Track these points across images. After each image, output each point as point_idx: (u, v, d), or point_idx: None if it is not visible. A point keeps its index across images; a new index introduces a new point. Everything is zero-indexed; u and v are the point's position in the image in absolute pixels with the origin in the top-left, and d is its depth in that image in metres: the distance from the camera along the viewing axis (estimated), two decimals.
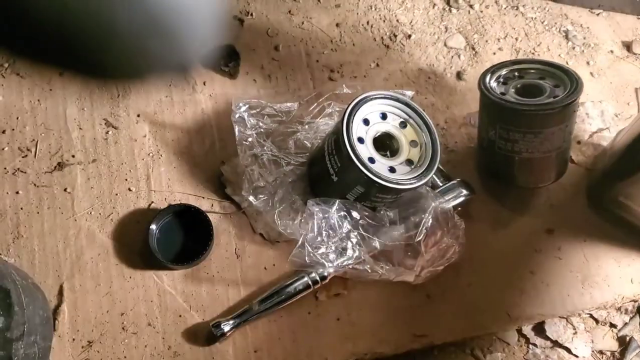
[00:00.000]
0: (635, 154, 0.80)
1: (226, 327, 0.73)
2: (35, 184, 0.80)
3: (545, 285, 0.84)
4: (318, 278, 0.76)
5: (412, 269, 0.76)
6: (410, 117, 0.76)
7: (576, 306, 0.82)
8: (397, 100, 0.76)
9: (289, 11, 0.96)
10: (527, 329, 0.84)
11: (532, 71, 0.82)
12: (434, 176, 0.82)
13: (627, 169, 0.81)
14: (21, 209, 0.78)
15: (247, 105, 0.81)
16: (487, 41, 0.98)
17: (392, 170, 0.73)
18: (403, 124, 0.76)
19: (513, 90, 0.80)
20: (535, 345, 0.84)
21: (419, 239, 0.76)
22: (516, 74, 0.82)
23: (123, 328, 0.74)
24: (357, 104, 0.73)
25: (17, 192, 0.79)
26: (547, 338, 0.84)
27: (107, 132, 0.84)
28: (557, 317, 0.83)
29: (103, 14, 0.29)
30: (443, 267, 0.78)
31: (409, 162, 0.75)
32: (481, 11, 1.00)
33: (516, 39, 0.98)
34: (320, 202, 0.75)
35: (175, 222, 0.78)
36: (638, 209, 0.81)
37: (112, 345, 0.73)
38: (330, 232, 0.74)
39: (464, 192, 0.82)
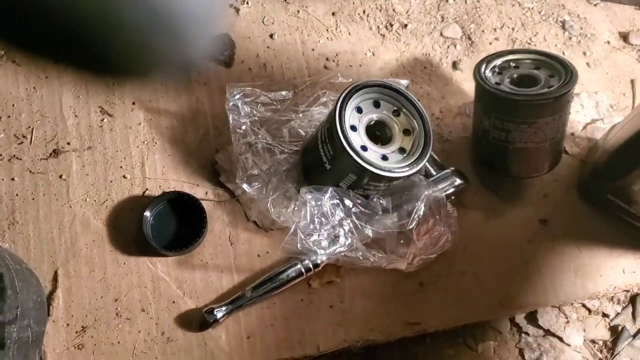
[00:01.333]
0: (626, 156, 0.80)
1: (219, 314, 0.73)
2: (30, 171, 0.80)
3: (538, 274, 0.84)
4: (311, 265, 0.76)
5: (404, 256, 0.77)
6: (403, 105, 0.76)
7: (569, 295, 0.82)
8: (391, 88, 0.76)
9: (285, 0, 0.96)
10: (520, 318, 0.85)
11: (528, 61, 0.82)
12: (427, 165, 0.82)
13: (616, 170, 0.81)
14: (16, 195, 0.79)
15: (241, 93, 0.81)
16: (483, 31, 0.98)
17: (384, 158, 0.73)
18: (396, 113, 0.76)
19: (508, 80, 0.80)
20: (527, 334, 0.84)
21: (412, 227, 0.76)
22: (511, 64, 0.82)
23: (117, 314, 0.75)
24: (350, 91, 0.73)
25: (13, 179, 0.80)
26: (539, 327, 0.84)
27: (102, 120, 0.84)
28: (549, 306, 0.84)
29: (106, 9, 0.29)
30: (435, 255, 0.78)
31: (401, 150, 0.75)
32: (478, 1, 1.00)
33: (513, 29, 0.98)
34: (313, 190, 0.75)
35: (169, 209, 0.78)
36: (626, 206, 0.81)
37: (105, 330, 0.74)
38: (322, 219, 0.75)
39: (458, 181, 0.82)
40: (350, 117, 0.73)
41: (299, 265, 0.76)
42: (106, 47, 0.31)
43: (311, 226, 0.74)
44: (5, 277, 0.60)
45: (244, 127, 0.81)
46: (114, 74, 0.41)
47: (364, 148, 0.72)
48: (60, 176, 0.80)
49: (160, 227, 0.78)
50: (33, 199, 0.79)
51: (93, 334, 0.74)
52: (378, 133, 0.76)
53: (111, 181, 0.81)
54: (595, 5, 1.01)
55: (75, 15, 0.29)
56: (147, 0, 0.30)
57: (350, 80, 0.89)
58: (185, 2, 0.32)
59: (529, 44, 0.97)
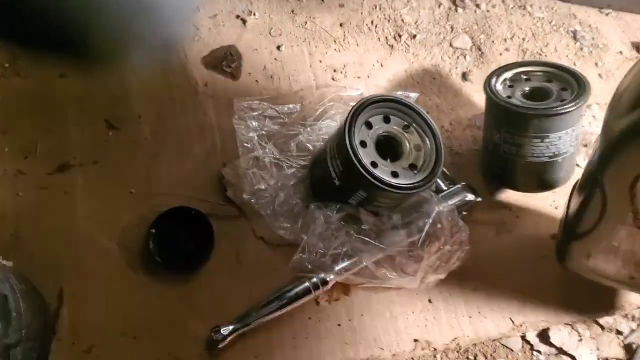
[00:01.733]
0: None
1: (226, 332, 0.72)
2: (35, 186, 0.79)
3: (550, 291, 0.83)
4: (319, 283, 0.75)
5: (414, 275, 0.75)
6: (414, 120, 0.75)
7: (581, 312, 0.81)
8: (401, 103, 0.75)
9: (292, 11, 0.95)
10: (532, 335, 0.83)
11: (539, 73, 0.80)
12: (438, 180, 0.81)
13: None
14: (22, 211, 0.78)
15: (248, 107, 0.80)
16: (493, 41, 0.96)
17: (394, 174, 0.72)
18: (407, 128, 0.75)
19: (519, 93, 0.79)
20: (539, 352, 0.83)
21: (422, 244, 0.75)
22: (523, 76, 0.81)
23: (123, 332, 0.74)
24: (359, 107, 0.72)
25: (18, 194, 0.79)
26: (551, 345, 0.83)
27: (108, 134, 0.83)
28: (562, 324, 0.82)
29: None
30: (446, 273, 0.77)
31: (412, 166, 0.74)
32: (488, 11, 0.98)
33: (523, 39, 0.97)
34: (322, 206, 0.74)
35: (176, 225, 0.77)
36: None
37: (112, 349, 0.73)
38: (331, 237, 0.73)
39: (469, 196, 0.81)
40: (360, 132, 0.72)
41: (307, 283, 0.75)
42: (84, 31, 0.31)
43: (320, 243, 0.73)
44: (10, 299, 0.59)
45: (251, 142, 0.80)
46: (101, 59, 0.43)
47: (374, 164, 0.71)
48: (66, 192, 0.79)
49: (167, 244, 0.76)
50: (38, 215, 0.78)
51: (99, 353, 0.72)
52: (388, 149, 0.74)
53: (117, 196, 0.80)
54: (606, 14, 0.99)
55: (64, 5, 0.29)
56: None
57: (359, 92, 0.89)
58: None
59: (540, 54, 0.96)
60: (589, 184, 0.65)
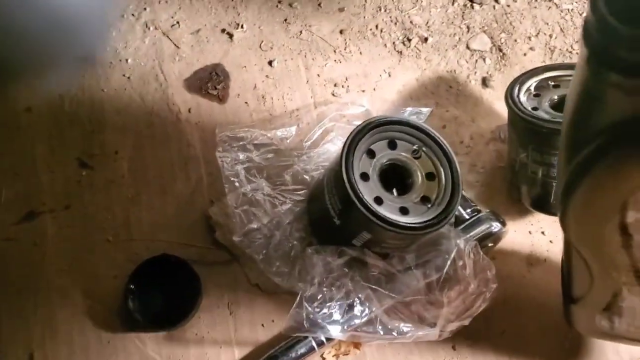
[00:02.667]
0: None
1: None
2: (0, 238, 0.71)
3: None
4: (324, 338, 0.65)
5: (434, 324, 0.65)
6: (425, 144, 0.64)
7: (633, 357, 0.69)
8: (408, 125, 0.64)
9: (285, 19, 0.84)
10: None
11: (569, 78, 0.69)
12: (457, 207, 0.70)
13: None
14: None
15: (234, 137, 0.71)
16: (516, 40, 0.85)
17: (404, 211, 0.61)
18: (416, 153, 0.64)
19: (547, 103, 0.68)
20: None
21: (442, 288, 0.65)
22: (550, 82, 0.70)
23: None
24: (358, 133, 0.61)
25: None
26: None
27: (81, 173, 0.74)
28: None
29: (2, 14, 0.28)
30: (471, 318, 0.66)
31: (424, 199, 0.63)
32: (508, 5, 0.87)
33: (550, 35, 0.85)
34: (321, 249, 0.64)
35: (157, 276, 0.68)
36: None
37: None
38: (333, 286, 0.63)
39: (494, 225, 0.70)
40: (361, 163, 0.62)
41: (309, 339, 0.65)
42: (8, 49, 0.31)
43: (319, 295, 0.63)
44: None
45: (239, 177, 0.70)
46: (16, 74, 0.45)
47: (378, 200, 0.61)
48: (35, 243, 0.71)
49: (148, 298, 0.68)
50: (4, 270, 0.69)
51: None
52: (395, 180, 0.64)
53: (92, 245, 0.71)
54: None
55: None
56: (42, 6, 0.30)
57: (364, 108, 0.78)
58: (79, 3, 0.32)
59: (570, 52, 0.84)
60: (566, 243, 0.53)
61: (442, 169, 0.63)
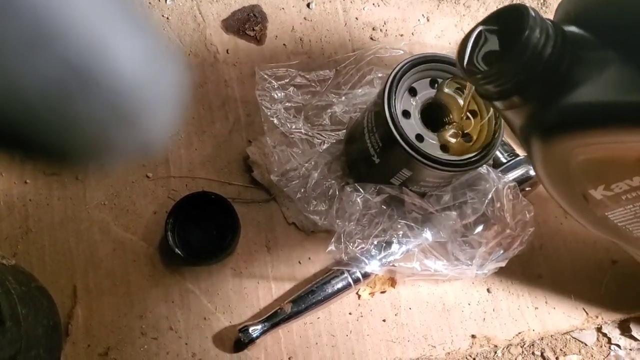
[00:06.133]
0: None
1: (255, 333, 0.64)
2: (44, 172, 0.72)
3: (631, 275, 0.71)
4: (360, 275, 0.66)
5: (470, 264, 0.65)
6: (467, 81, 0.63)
7: None
8: (451, 63, 0.63)
9: None
10: (609, 328, 0.72)
11: None
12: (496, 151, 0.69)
13: None
14: (30, 200, 0.71)
15: (273, 75, 0.70)
16: None
17: (445, 148, 0.61)
18: (459, 91, 0.63)
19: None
20: (618, 346, 0.72)
21: (479, 229, 0.65)
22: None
23: (142, 332, 0.66)
24: (400, 70, 0.61)
25: (26, 182, 0.71)
26: (632, 338, 0.72)
27: None
28: None
29: (63, 107, 0.27)
30: (507, 260, 0.66)
31: (466, 137, 0.62)
32: None
33: None
34: (360, 188, 0.64)
35: (196, 212, 0.68)
36: None
37: (130, 352, 0.66)
38: (371, 222, 0.64)
39: (532, 169, 0.69)
40: (402, 100, 0.61)
41: (345, 275, 0.66)
42: (69, 143, 0.30)
43: (357, 231, 0.63)
44: (4, 306, 0.52)
45: (277, 115, 0.70)
46: (77, 167, 0.45)
47: (420, 137, 0.60)
48: (77, 177, 0.72)
49: (187, 233, 0.68)
50: (47, 204, 0.71)
51: (116, 356, 0.66)
52: (437, 118, 0.63)
53: (132, 182, 0.72)
54: None
55: (40, 117, 0.27)
56: (105, 97, 0.28)
57: (401, 52, 0.77)
58: (145, 95, 0.30)
59: None
60: None
61: (484, 106, 0.63)
